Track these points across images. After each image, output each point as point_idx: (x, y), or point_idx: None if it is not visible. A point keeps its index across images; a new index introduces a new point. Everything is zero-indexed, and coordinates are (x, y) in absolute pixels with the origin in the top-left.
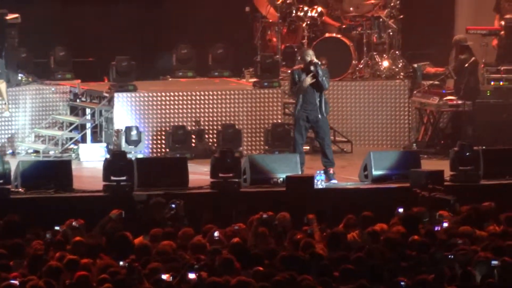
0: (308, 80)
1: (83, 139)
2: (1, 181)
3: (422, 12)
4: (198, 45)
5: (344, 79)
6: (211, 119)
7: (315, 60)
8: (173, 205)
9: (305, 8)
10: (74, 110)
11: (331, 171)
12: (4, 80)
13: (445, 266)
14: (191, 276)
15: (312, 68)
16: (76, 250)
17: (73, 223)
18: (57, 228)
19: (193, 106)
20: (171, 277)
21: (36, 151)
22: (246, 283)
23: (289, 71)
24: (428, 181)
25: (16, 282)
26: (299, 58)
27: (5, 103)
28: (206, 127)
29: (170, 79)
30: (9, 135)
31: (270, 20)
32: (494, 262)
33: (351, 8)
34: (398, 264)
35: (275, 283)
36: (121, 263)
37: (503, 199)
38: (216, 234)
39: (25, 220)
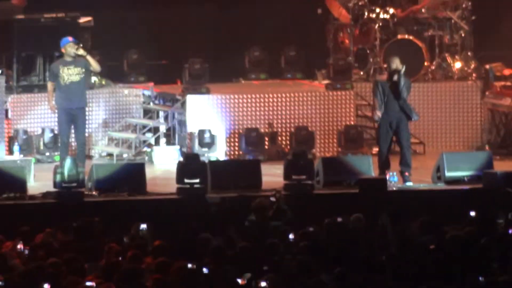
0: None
1: (157, 142)
2: (75, 184)
3: (493, 13)
4: (271, 47)
5: (416, 81)
6: (284, 121)
7: (399, 67)
8: (273, 198)
9: (377, 10)
10: (147, 113)
11: (407, 173)
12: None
13: None
14: (263, 284)
15: (395, 77)
16: (158, 253)
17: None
18: (143, 226)
19: (266, 108)
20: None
21: (110, 154)
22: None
23: (374, 81)
24: (502, 183)
25: (92, 284)
26: (385, 66)
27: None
28: (279, 129)
29: (243, 82)
30: None
31: (342, 22)
32: None
33: (423, 10)
34: (471, 265)
35: (351, 283)
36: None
37: None
38: (291, 236)
39: (99, 223)
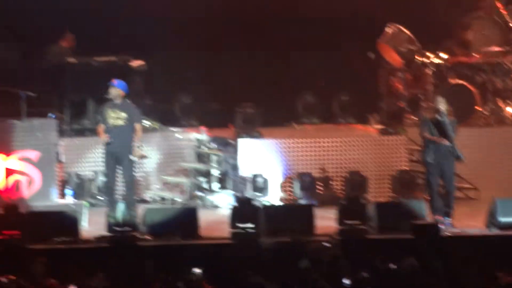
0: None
1: (210, 187)
2: (128, 228)
3: None
4: (323, 92)
5: (469, 125)
6: (336, 165)
7: (441, 108)
8: (327, 244)
9: (430, 55)
10: (200, 157)
11: (449, 217)
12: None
13: None
14: None
15: (439, 117)
16: None
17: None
18: (197, 271)
19: (319, 153)
20: None
21: (163, 198)
22: None
23: (422, 118)
24: None
25: None
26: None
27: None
28: (332, 174)
29: (295, 126)
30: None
31: (394, 66)
32: None
33: (476, 55)
34: None
35: None
36: None
37: None
38: (344, 281)
39: (152, 267)
